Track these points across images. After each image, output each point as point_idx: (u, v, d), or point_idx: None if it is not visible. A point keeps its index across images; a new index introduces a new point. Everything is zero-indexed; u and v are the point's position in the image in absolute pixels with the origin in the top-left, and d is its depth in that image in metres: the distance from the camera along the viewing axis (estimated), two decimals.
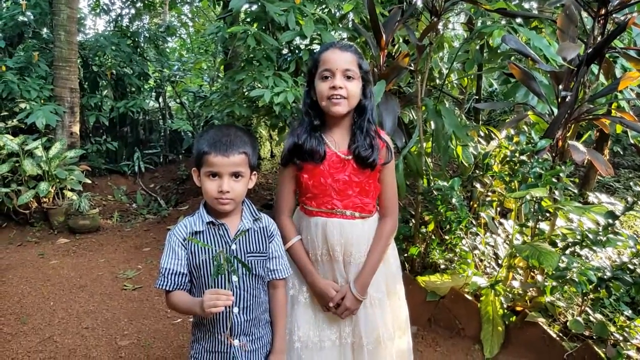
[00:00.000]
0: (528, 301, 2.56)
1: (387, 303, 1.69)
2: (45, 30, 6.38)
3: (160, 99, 7.74)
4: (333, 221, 1.59)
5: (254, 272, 1.45)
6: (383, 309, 1.66)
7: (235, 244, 1.44)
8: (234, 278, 1.40)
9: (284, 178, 1.67)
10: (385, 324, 1.65)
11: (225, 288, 1.33)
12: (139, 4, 7.42)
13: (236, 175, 1.40)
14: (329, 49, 1.56)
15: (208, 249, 1.41)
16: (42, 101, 5.29)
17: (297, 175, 1.62)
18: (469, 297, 2.62)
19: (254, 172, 1.48)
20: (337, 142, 1.60)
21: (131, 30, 7.41)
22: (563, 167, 2.35)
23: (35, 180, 4.87)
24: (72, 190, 5.06)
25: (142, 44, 7.47)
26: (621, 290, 2.22)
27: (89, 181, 5.49)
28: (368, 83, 1.60)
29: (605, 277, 2.18)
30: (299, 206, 1.70)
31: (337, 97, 1.51)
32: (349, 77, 1.53)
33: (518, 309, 2.54)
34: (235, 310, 1.42)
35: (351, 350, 1.64)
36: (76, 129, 5.59)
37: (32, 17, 5.97)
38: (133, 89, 7.02)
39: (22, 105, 5.09)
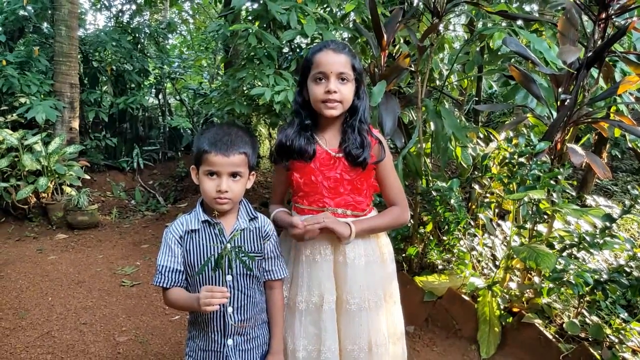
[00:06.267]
0: (525, 302, 2.57)
1: (384, 307, 1.64)
2: (46, 25, 6.36)
3: (160, 96, 7.72)
4: None
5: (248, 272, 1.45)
6: (378, 313, 1.61)
7: (230, 243, 1.44)
8: (228, 278, 1.40)
9: (276, 176, 1.66)
10: (379, 330, 1.60)
11: (220, 286, 1.32)
12: (139, 0, 7.39)
13: (235, 175, 1.38)
14: (322, 50, 1.52)
15: (203, 249, 1.41)
16: (42, 96, 5.28)
17: (288, 174, 1.62)
18: (466, 298, 2.63)
19: (253, 172, 1.47)
20: (327, 140, 1.59)
21: (132, 26, 7.37)
22: (561, 169, 2.36)
23: (34, 175, 4.87)
24: (70, 185, 5.07)
25: (143, 41, 7.44)
26: (617, 292, 2.23)
27: (88, 177, 5.50)
28: (361, 83, 1.58)
29: (601, 279, 2.19)
30: (292, 205, 1.68)
31: (332, 102, 1.50)
32: (343, 80, 1.51)
33: (515, 310, 2.56)
34: (230, 310, 1.41)
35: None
36: (76, 124, 5.59)
37: (33, 11, 5.95)
38: (133, 85, 7.00)
39: (22, 100, 5.08)
